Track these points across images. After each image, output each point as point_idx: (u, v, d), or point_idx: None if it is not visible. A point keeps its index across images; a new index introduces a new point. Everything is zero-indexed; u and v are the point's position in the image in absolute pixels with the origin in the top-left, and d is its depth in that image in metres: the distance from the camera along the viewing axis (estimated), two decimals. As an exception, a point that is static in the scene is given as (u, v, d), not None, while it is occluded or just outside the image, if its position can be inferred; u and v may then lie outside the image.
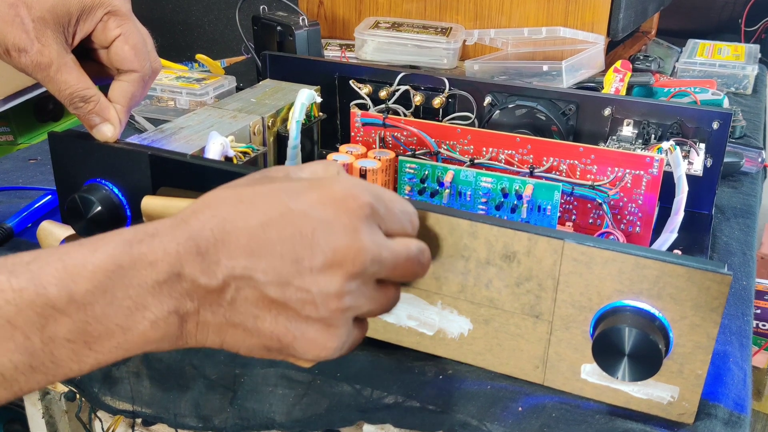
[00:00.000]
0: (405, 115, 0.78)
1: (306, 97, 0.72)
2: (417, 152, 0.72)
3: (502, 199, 0.64)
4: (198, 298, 0.37)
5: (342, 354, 0.41)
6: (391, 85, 0.80)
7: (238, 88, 1.06)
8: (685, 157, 0.70)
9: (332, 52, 1.26)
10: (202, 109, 0.72)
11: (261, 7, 1.08)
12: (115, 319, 0.35)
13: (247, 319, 0.38)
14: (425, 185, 0.67)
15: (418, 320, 0.53)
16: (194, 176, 0.57)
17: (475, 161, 0.69)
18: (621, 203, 0.66)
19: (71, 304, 0.34)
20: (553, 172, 0.67)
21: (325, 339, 0.39)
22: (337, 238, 0.38)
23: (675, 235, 0.60)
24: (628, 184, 0.65)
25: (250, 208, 0.38)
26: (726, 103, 1.00)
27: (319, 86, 0.77)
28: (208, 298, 0.37)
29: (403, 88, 0.79)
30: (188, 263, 0.37)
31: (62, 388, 0.64)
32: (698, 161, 0.71)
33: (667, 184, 0.65)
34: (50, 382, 0.35)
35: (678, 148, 0.66)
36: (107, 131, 0.58)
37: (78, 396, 0.61)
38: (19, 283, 0.34)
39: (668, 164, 0.66)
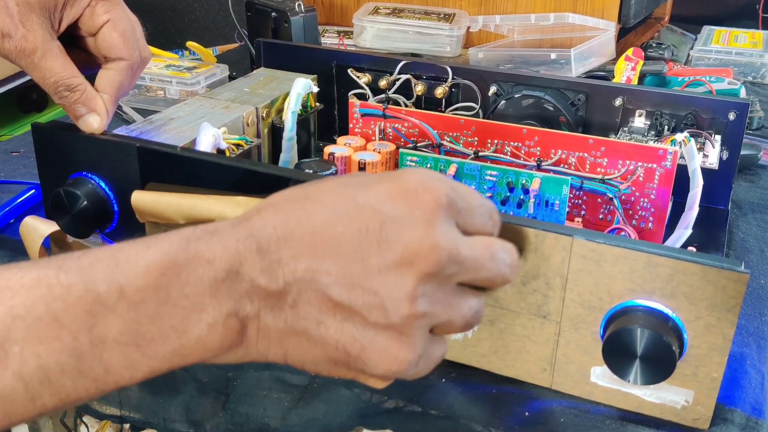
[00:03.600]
0: (406, 106, 0.78)
1: (302, 86, 0.72)
2: (418, 144, 0.72)
3: (508, 194, 0.64)
4: (258, 300, 0.36)
5: (418, 373, 0.38)
6: (391, 74, 0.80)
7: (231, 77, 1.06)
8: (700, 149, 0.70)
9: (329, 40, 1.26)
10: (193, 99, 0.71)
11: (255, -8, 1.08)
12: (170, 320, 0.34)
13: (310, 325, 0.36)
14: (427, 179, 0.67)
15: (419, 321, 0.53)
16: (185, 169, 0.57)
17: (480, 154, 0.69)
18: (633, 198, 0.66)
19: (122, 300, 0.34)
20: (562, 165, 0.67)
21: (396, 349, 0.36)
22: (408, 232, 0.36)
23: (689, 232, 0.60)
24: (640, 178, 0.65)
25: (316, 204, 0.37)
26: (743, 93, 1.00)
27: (315, 75, 0.77)
28: (269, 300, 0.36)
29: (404, 77, 0.79)
30: (247, 261, 0.35)
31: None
32: (714, 154, 0.71)
33: (681, 177, 0.65)
34: (100, 391, 0.34)
35: (692, 140, 0.66)
36: (93, 122, 0.57)
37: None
38: (68, 278, 0.33)
39: (682, 157, 0.66)
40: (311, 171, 0.64)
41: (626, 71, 0.98)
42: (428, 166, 0.67)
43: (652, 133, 0.72)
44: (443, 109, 0.79)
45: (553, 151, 0.68)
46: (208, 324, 0.35)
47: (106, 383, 0.34)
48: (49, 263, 0.34)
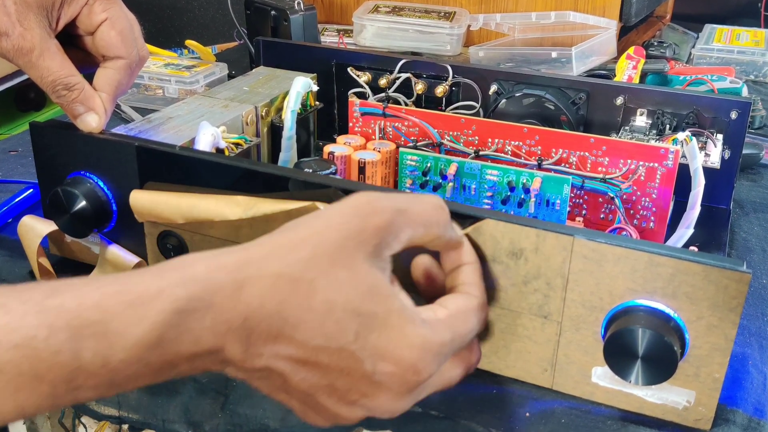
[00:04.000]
0: (406, 105, 0.78)
1: (301, 85, 0.72)
2: (419, 143, 0.72)
3: (509, 193, 0.64)
4: (229, 366, 0.39)
5: None
6: (391, 72, 0.80)
7: (230, 76, 1.06)
8: (702, 148, 0.70)
9: (329, 38, 1.25)
10: (192, 98, 0.71)
11: (254, -10, 1.08)
12: (144, 378, 0.36)
13: (264, 389, 0.41)
14: (427, 178, 0.67)
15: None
16: (184, 169, 0.57)
17: (480, 153, 0.69)
18: (634, 197, 0.66)
19: (103, 368, 0.35)
20: (563, 164, 0.67)
21: (323, 423, 0.43)
22: (378, 394, 0.41)
23: (691, 231, 0.60)
24: (642, 177, 0.65)
25: (317, 325, 0.38)
26: (745, 92, 0.99)
27: (315, 74, 0.77)
28: (239, 367, 0.39)
29: (404, 75, 0.79)
30: (232, 348, 0.37)
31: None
32: (715, 153, 0.71)
33: (683, 177, 0.65)
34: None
35: (694, 139, 0.66)
36: (92, 121, 0.57)
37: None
38: (57, 344, 0.34)
39: (684, 156, 0.66)
40: (311, 170, 0.64)
41: (627, 70, 0.98)
42: (429, 165, 0.67)
43: (654, 132, 0.72)
44: (443, 108, 0.78)
45: (554, 150, 0.68)
46: (177, 372, 0.38)
47: (73, 404, 0.37)
48: (41, 319, 0.34)
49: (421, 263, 0.47)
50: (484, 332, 0.52)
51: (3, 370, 0.33)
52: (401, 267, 0.43)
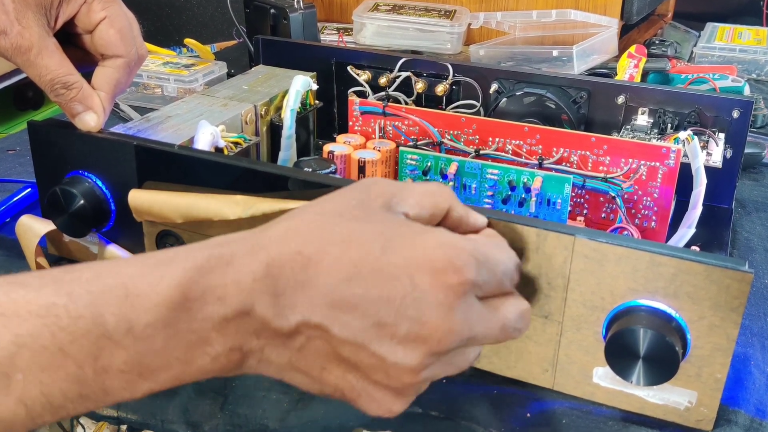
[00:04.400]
0: (406, 104, 0.78)
1: (301, 84, 0.72)
2: (419, 143, 0.72)
3: (510, 193, 0.64)
4: (265, 338, 0.37)
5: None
6: (391, 71, 0.80)
7: (229, 75, 1.06)
8: (704, 147, 0.70)
9: (329, 37, 1.25)
10: (190, 97, 0.71)
11: (253, -11, 1.08)
12: (175, 352, 0.35)
13: (313, 368, 0.38)
14: (428, 178, 0.67)
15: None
16: (182, 168, 0.57)
17: (481, 152, 0.69)
18: (635, 197, 0.66)
19: (129, 336, 0.34)
20: (564, 163, 0.67)
21: (391, 403, 0.39)
22: (426, 312, 0.37)
23: (693, 231, 0.60)
24: (643, 177, 0.65)
25: (340, 253, 0.37)
26: (747, 91, 0.99)
27: (315, 72, 0.77)
28: (276, 339, 0.37)
29: (404, 74, 0.79)
30: (261, 302, 0.36)
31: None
32: (717, 152, 0.71)
33: (685, 176, 0.65)
34: (98, 408, 0.36)
35: (696, 138, 0.66)
36: (90, 120, 0.57)
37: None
38: (77, 310, 0.33)
39: (685, 155, 0.66)
40: (310, 169, 0.64)
41: (629, 68, 0.98)
42: (429, 164, 0.67)
43: (655, 131, 0.72)
44: (444, 107, 0.78)
45: (554, 149, 0.68)
46: (211, 356, 0.36)
47: (104, 402, 0.35)
48: (59, 288, 0.34)
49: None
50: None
51: (25, 344, 0.32)
52: None
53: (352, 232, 0.38)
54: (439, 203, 0.42)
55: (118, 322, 0.34)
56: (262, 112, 0.70)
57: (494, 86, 0.77)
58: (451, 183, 0.66)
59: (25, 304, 0.33)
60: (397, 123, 0.73)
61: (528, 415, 0.50)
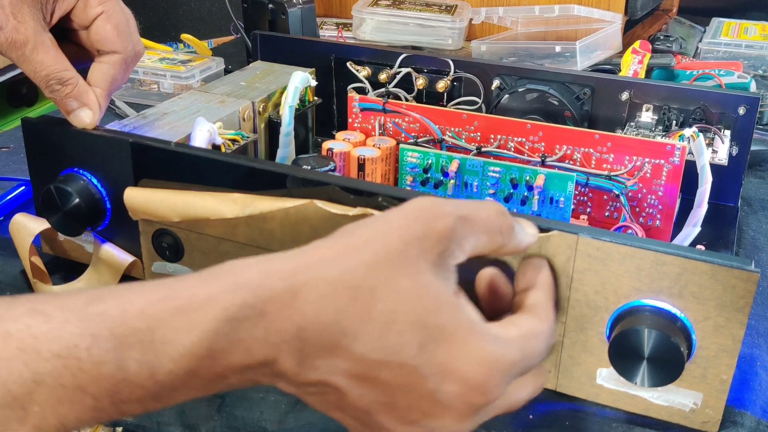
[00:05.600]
0: (407, 100, 0.78)
1: (300, 80, 0.72)
2: (419, 140, 0.72)
3: (512, 191, 0.64)
4: (280, 380, 0.37)
5: None
6: (391, 67, 0.80)
7: (227, 71, 1.06)
8: (709, 144, 0.70)
9: (328, 32, 1.25)
10: (187, 94, 0.71)
11: (251, -17, 1.08)
12: (192, 392, 0.35)
13: (319, 407, 0.40)
14: (428, 175, 0.67)
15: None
16: (179, 166, 0.57)
17: (483, 149, 0.69)
18: (640, 195, 0.66)
19: (150, 380, 0.34)
20: (567, 161, 0.67)
21: None
22: (441, 414, 0.38)
23: (698, 229, 0.60)
24: (648, 174, 0.65)
25: (378, 335, 0.36)
26: (753, 87, 0.99)
27: (313, 69, 0.77)
28: (291, 382, 0.37)
29: (404, 70, 0.79)
30: (285, 361, 0.36)
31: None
32: (723, 149, 0.71)
33: (690, 174, 0.65)
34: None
35: (701, 135, 0.66)
36: (86, 117, 0.57)
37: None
38: (100, 355, 0.33)
39: (691, 153, 0.66)
40: (309, 167, 0.64)
41: (633, 64, 0.98)
42: (430, 162, 0.67)
43: (660, 128, 0.72)
44: (445, 104, 0.78)
45: (557, 146, 0.68)
46: (226, 385, 0.36)
47: (118, 418, 0.35)
48: (83, 327, 0.33)
49: (487, 275, 0.46)
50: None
51: (44, 382, 0.32)
52: (463, 280, 0.41)
53: (395, 315, 0.37)
54: (494, 240, 0.42)
55: (141, 368, 0.33)
56: (260, 109, 0.70)
57: (496, 82, 0.77)
58: (452, 181, 0.66)
59: (47, 342, 0.32)
60: (397, 120, 0.73)
61: (531, 416, 0.50)
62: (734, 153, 0.71)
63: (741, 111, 0.70)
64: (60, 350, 0.32)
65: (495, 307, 0.46)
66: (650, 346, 0.45)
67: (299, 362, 0.36)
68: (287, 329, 0.35)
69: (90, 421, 0.34)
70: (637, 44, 1.01)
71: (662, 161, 0.64)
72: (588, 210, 0.67)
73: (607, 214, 0.67)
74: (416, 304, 0.37)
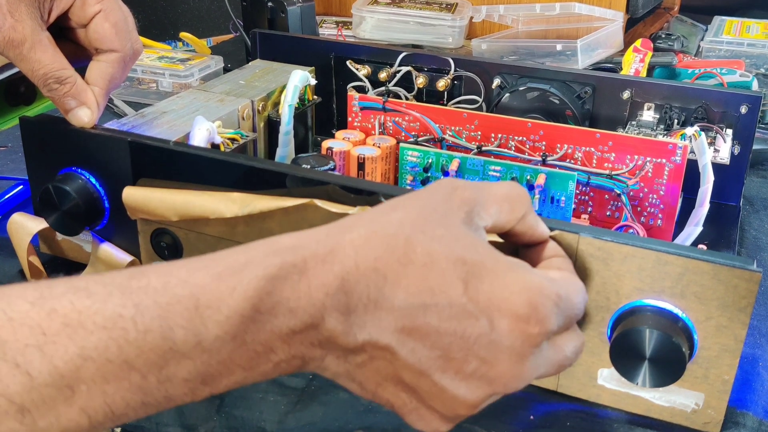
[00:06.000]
0: (407, 99, 0.78)
1: (299, 79, 0.72)
2: (420, 139, 0.72)
3: (513, 190, 0.64)
4: (328, 349, 0.37)
5: None
6: (391, 66, 0.80)
7: (226, 69, 1.06)
8: (711, 143, 0.70)
9: (328, 30, 1.25)
10: (186, 92, 0.71)
11: (250, -19, 1.08)
12: (240, 361, 0.35)
13: (369, 382, 0.38)
14: (428, 174, 0.67)
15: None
16: (178, 165, 0.57)
17: (483, 148, 0.69)
18: (641, 194, 0.66)
19: (197, 348, 0.34)
20: (568, 160, 0.67)
21: (438, 425, 0.39)
22: (499, 357, 0.37)
23: (700, 229, 0.60)
24: (649, 174, 0.65)
25: (419, 277, 0.36)
26: (755, 86, 0.99)
27: (313, 67, 0.77)
28: (339, 352, 0.37)
29: (404, 69, 0.79)
30: (331, 318, 0.36)
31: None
32: (725, 148, 0.71)
33: (691, 173, 0.65)
34: (156, 412, 0.35)
35: (703, 134, 0.66)
36: (84, 116, 0.57)
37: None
38: (145, 323, 0.33)
39: (692, 152, 0.66)
40: (309, 166, 0.64)
41: (634, 63, 0.98)
42: (430, 161, 0.67)
43: (662, 127, 0.72)
44: (445, 103, 0.78)
45: (558, 145, 0.68)
46: (273, 363, 0.36)
47: (165, 407, 0.35)
48: (126, 298, 0.33)
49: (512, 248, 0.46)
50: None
51: (90, 357, 0.32)
52: None
53: (434, 255, 0.37)
54: (517, 209, 0.43)
55: (187, 335, 0.33)
56: (260, 108, 0.70)
57: (497, 81, 0.77)
58: (452, 180, 0.66)
59: (91, 315, 0.33)
60: (397, 119, 0.73)
61: (531, 417, 0.50)
62: (736, 152, 0.71)
63: (743, 110, 0.70)
64: (105, 322, 0.33)
65: None
66: (652, 346, 0.45)
67: (345, 320, 0.36)
68: (330, 282, 0.35)
69: (137, 407, 0.34)
70: (638, 43, 1.01)
71: (664, 160, 0.64)
72: (589, 209, 0.67)
73: (608, 213, 0.67)
74: (454, 245, 0.37)
